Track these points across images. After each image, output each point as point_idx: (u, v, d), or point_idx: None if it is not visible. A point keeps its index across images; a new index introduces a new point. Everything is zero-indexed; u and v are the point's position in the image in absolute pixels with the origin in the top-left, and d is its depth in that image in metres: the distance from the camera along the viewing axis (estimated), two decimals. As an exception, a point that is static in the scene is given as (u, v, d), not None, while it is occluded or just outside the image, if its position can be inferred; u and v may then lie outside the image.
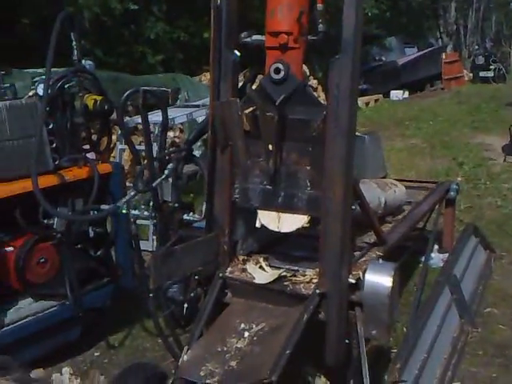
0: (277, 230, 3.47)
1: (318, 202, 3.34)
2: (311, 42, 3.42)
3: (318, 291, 3.31)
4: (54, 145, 4.33)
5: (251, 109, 3.39)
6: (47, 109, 4.17)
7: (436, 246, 5.98)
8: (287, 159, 3.43)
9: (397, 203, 4.80)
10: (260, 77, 3.52)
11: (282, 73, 3.32)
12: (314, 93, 3.75)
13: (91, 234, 4.52)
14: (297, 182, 3.42)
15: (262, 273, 3.57)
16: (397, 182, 4.99)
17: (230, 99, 3.43)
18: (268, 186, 3.50)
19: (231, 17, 3.49)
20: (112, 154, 7.27)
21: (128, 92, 4.00)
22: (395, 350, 4.29)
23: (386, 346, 4.30)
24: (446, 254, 5.71)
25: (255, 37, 3.56)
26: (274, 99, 3.35)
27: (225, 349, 3.24)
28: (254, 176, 3.54)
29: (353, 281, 3.37)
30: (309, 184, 3.39)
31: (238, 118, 3.37)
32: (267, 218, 3.50)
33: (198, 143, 7.12)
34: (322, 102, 3.47)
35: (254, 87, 3.51)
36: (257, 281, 3.53)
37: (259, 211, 3.53)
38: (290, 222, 3.44)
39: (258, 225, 3.55)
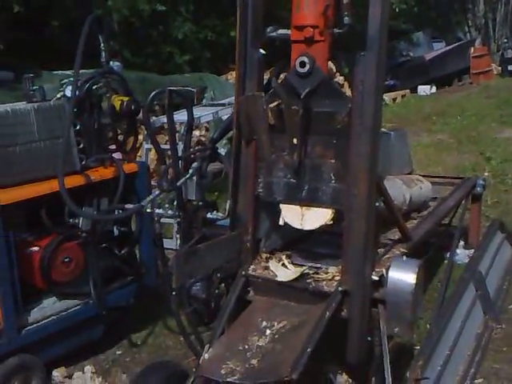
0: (300, 227, 3.47)
1: (342, 195, 3.34)
2: (337, 36, 3.42)
3: (340, 289, 3.30)
4: (81, 145, 4.40)
5: (276, 103, 3.40)
6: (75, 110, 4.24)
7: (462, 242, 5.95)
8: (311, 152, 3.43)
9: (422, 199, 4.78)
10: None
11: (308, 66, 3.31)
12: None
13: (116, 232, 4.57)
14: (321, 175, 3.42)
15: (284, 270, 3.58)
16: (422, 179, 4.95)
17: (255, 93, 3.45)
18: (292, 180, 3.50)
19: (257, 15, 3.52)
20: (138, 154, 7.33)
21: (154, 92, 4.04)
22: (418, 347, 4.27)
23: (409, 343, 4.28)
24: (472, 250, 5.68)
25: (281, 31, 3.56)
26: (299, 93, 3.35)
27: (246, 347, 3.25)
28: (278, 170, 3.54)
29: (376, 278, 3.36)
30: (333, 177, 3.38)
31: (263, 112, 3.39)
32: (290, 216, 3.50)
33: (224, 141, 7.16)
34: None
35: (279, 81, 3.52)
36: (279, 278, 3.54)
37: (282, 209, 3.53)
38: (313, 220, 3.44)
39: (281, 222, 3.55)
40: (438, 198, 5.20)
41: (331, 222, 3.42)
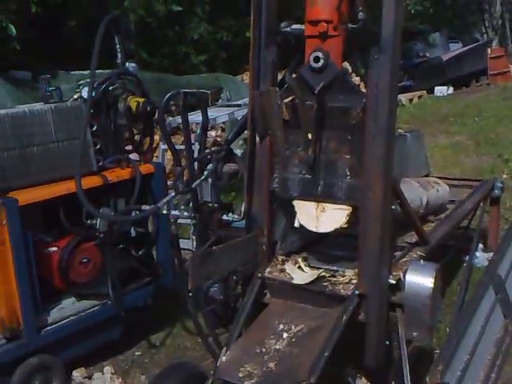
0: (315, 229, 3.46)
1: (357, 190, 3.32)
2: (351, 31, 3.40)
3: (357, 292, 3.29)
4: (98, 146, 4.41)
5: (290, 98, 3.39)
6: (91, 111, 4.24)
7: (480, 245, 5.89)
8: (326, 148, 3.42)
9: (439, 202, 4.73)
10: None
11: (322, 61, 3.29)
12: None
13: (133, 233, 4.58)
14: (336, 170, 3.40)
15: (300, 273, 3.57)
16: (440, 181, 4.92)
17: (270, 88, 3.43)
18: (307, 176, 3.49)
19: (270, 15, 3.52)
20: (155, 154, 7.34)
21: (169, 94, 4.04)
22: (438, 351, 4.24)
23: (429, 347, 4.25)
24: (491, 253, 5.61)
25: (295, 26, 3.56)
26: (313, 88, 3.34)
27: (263, 350, 3.25)
28: (293, 165, 3.53)
29: (393, 281, 3.33)
30: (348, 173, 3.37)
31: (278, 108, 3.37)
32: (305, 218, 3.49)
33: (240, 141, 7.16)
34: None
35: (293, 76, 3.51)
36: (295, 281, 3.53)
37: (298, 211, 3.52)
38: (328, 222, 3.42)
39: (296, 224, 3.54)
40: (455, 200, 5.16)
41: (346, 225, 3.40)
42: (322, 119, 3.36)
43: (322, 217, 3.43)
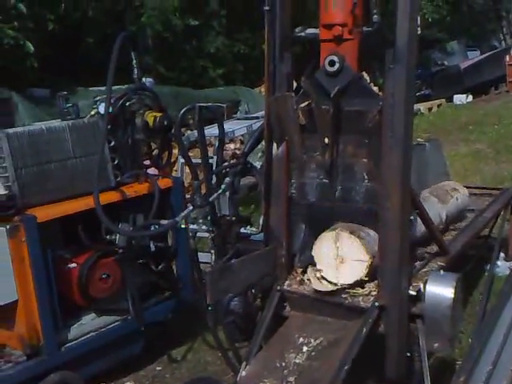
0: (335, 281, 3.46)
1: (375, 194, 3.33)
2: (366, 34, 3.42)
3: (377, 304, 3.27)
4: (116, 161, 4.42)
5: (306, 103, 3.40)
6: (109, 127, 4.26)
7: (502, 254, 5.84)
8: (343, 152, 3.44)
9: (459, 211, 4.70)
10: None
11: (337, 65, 3.32)
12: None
13: (152, 248, 4.57)
14: (353, 174, 3.43)
15: (321, 282, 3.55)
16: (459, 186, 4.90)
17: (285, 93, 3.44)
18: (325, 180, 3.50)
19: (284, 29, 3.52)
20: (174, 168, 7.35)
21: (185, 108, 4.06)
22: (460, 362, 4.19)
23: (450, 358, 4.21)
24: (513, 262, 5.59)
25: (309, 30, 3.57)
26: (329, 92, 3.34)
27: (283, 364, 3.24)
28: (310, 170, 3.55)
29: (413, 292, 3.33)
30: (366, 176, 3.38)
31: (294, 113, 3.37)
32: (326, 268, 3.50)
33: (259, 154, 7.15)
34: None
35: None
36: (315, 286, 3.51)
37: (317, 261, 3.52)
38: (348, 274, 3.44)
39: (318, 275, 3.54)
40: (475, 209, 5.10)
41: (367, 278, 3.42)
42: (338, 123, 3.37)
43: (341, 267, 3.45)
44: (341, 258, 3.42)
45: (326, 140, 3.37)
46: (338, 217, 3.66)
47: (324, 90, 3.37)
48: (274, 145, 3.63)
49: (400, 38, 3.11)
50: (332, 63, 3.32)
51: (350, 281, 3.41)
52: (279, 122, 3.45)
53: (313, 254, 3.53)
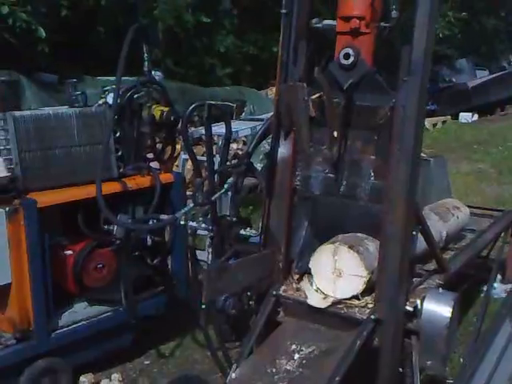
0: (332, 295, 3.43)
1: (380, 192, 3.30)
2: (383, 29, 3.40)
3: (373, 317, 3.24)
4: (120, 153, 4.40)
5: (318, 94, 3.37)
6: (115, 117, 4.24)
7: (499, 276, 5.81)
8: (351, 147, 3.42)
9: (459, 230, 4.67)
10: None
11: (352, 58, 3.29)
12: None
13: (149, 242, 4.55)
14: (360, 170, 3.40)
15: (316, 295, 3.52)
16: (460, 204, 4.85)
17: (297, 83, 3.40)
18: (330, 175, 3.47)
19: (299, 33, 3.49)
20: (175, 163, 7.33)
21: (194, 105, 4.03)
22: (451, 381, 4.17)
23: (441, 377, 4.19)
24: (510, 285, 5.57)
25: (326, 22, 3.53)
26: (342, 85, 3.31)
27: (274, 370, 3.20)
28: (316, 164, 3.52)
29: (410, 308, 3.30)
30: (372, 174, 3.36)
31: (304, 103, 3.34)
32: (323, 282, 3.46)
33: (260, 156, 7.13)
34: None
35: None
36: (310, 302, 3.48)
37: (314, 274, 3.48)
38: (345, 288, 3.40)
39: (314, 287, 3.51)
40: (475, 230, 5.07)
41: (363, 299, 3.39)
42: (348, 117, 3.36)
43: (338, 281, 3.42)
44: (338, 272, 3.39)
45: (335, 133, 3.34)
46: (342, 212, 3.65)
47: (337, 83, 3.34)
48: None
49: (416, 51, 3.09)
50: (347, 56, 3.29)
51: (347, 295, 3.38)
52: (289, 111, 3.41)
53: (310, 266, 3.50)
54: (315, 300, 3.47)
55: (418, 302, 3.31)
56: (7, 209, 3.76)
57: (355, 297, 3.42)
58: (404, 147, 3.12)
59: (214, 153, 5.69)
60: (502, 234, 5.52)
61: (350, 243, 3.39)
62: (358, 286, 3.35)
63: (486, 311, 4.75)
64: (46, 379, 4.05)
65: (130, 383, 4.33)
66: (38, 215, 3.85)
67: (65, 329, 4.17)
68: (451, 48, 22.21)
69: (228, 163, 4.41)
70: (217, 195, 3.94)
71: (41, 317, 3.97)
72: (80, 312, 4.32)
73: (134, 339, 4.61)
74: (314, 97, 3.37)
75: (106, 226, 4.25)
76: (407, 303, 3.30)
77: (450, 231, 4.37)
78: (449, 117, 18.52)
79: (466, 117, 18.93)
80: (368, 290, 3.42)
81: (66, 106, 4.34)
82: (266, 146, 7.08)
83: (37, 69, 9.08)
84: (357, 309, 3.38)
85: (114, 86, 4.23)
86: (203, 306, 3.79)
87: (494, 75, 22.27)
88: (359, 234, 3.55)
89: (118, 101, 4.19)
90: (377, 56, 3.45)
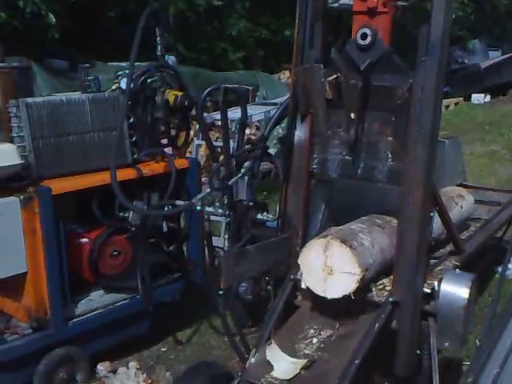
0: (323, 294, 3.19)
1: (398, 174, 3.24)
2: (401, 9, 3.36)
3: (391, 299, 3.21)
4: (134, 138, 4.38)
5: (334, 76, 3.34)
6: (129, 103, 4.21)
7: (514, 257, 5.80)
8: (369, 129, 3.38)
9: (463, 219, 4.55)
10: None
11: (369, 38, 3.25)
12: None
13: (165, 228, 4.54)
14: (377, 153, 3.37)
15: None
16: (464, 192, 4.67)
17: (314, 65, 3.37)
18: (347, 157, 3.45)
19: (316, 16, 3.45)
20: (188, 149, 7.31)
21: (209, 88, 4.00)
22: (466, 363, 4.16)
23: (457, 358, 4.18)
24: (524, 266, 5.54)
25: (343, 1, 3.49)
26: (359, 65, 3.28)
27: (292, 354, 3.18)
28: (333, 146, 3.49)
29: (428, 290, 3.27)
30: (390, 155, 3.33)
31: (321, 85, 3.31)
32: (313, 280, 3.23)
33: (274, 141, 7.10)
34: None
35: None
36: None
37: (303, 272, 3.26)
38: (336, 287, 3.14)
39: (303, 286, 3.33)
40: (480, 218, 4.92)
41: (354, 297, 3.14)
42: (365, 99, 3.33)
43: (329, 279, 3.15)
44: (329, 269, 3.14)
45: (352, 115, 3.31)
46: (359, 195, 3.59)
47: (354, 64, 3.31)
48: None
49: (434, 30, 3.03)
50: (364, 36, 3.25)
51: (338, 295, 3.13)
52: (305, 94, 3.38)
53: (299, 262, 3.28)
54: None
55: (436, 283, 3.27)
56: (21, 197, 3.76)
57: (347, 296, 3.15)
58: (422, 128, 3.08)
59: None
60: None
61: (342, 237, 3.14)
62: (350, 284, 3.09)
63: (500, 292, 4.73)
64: (63, 368, 4.06)
65: (147, 371, 4.33)
66: (53, 203, 3.84)
67: (81, 317, 4.18)
68: (463, 29, 22.03)
69: (245, 147, 4.38)
70: (234, 180, 3.92)
71: (57, 305, 3.97)
72: (96, 300, 4.32)
73: (150, 326, 4.62)
74: (330, 78, 3.33)
75: (121, 213, 4.25)
76: (425, 285, 3.27)
77: (454, 221, 4.27)
78: (461, 98, 18.40)
79: (478, 98, 18.79)
80: (386, 272, 3.39)
81: (79, 92, 4.32)
82: (279, 130, 7.08)
83: (47, 55, 9.06)
84: (374, 291, 3.34)
85: (127, 71, 4.21)
86: (220, 292, 3.80)
87: (506, 56, 22.08)
88: (354, 226, 3.35)
89: (132, 86, 4.17)
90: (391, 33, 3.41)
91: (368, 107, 3.34)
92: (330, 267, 3.14)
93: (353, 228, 3.33)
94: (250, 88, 3.83)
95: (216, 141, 6.19)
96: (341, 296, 3.12)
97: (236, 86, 3.97)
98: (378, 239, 3.29)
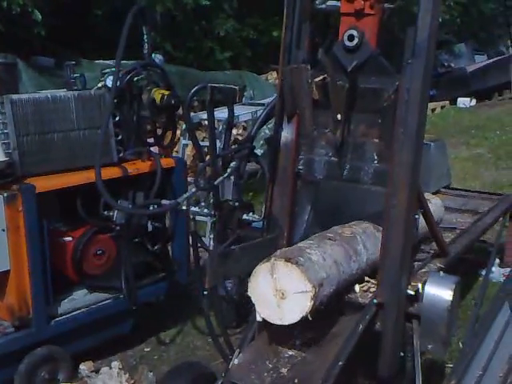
0: (280, 322, 2.98)
1: (384, 176, 3.25)
2: (388, 11, 3.39)
3: (375, 301, 3.21)
4: (120, 137, 4.36)
5: (321, 77, 3.34)
6: (115, 101, 4.19)
7: (497, 260, 5.83)
8: (355, 130, 3.40)
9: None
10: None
11: (356, 40, 3.26)
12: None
13: (150, 228, 4.52)
14: (363, 154, 3.38)
15: None
16: (431, 196, 4.53)
17: (301, 65, 3.37)
18: (333, 158, 3.44)
19: (303, 15, 3.45)
20: (175, 149, 7.30)
21: (196, 87, 3.97)
22: (449, 365, 4.19)
23: (441, 361, 4.19)
24: (508, 269, 5.59)
25: (330, 3, 3.51)
26: (346, 67, 3.30)
27: (276, 355, 3.17)
28: (319, 147, 3.50)
29: (411, 292, 3.27)
30: (376, 157, 3.33)
31: (308, 86, 3.32)
32: (267, 310, 3.00)
33: (261, 142, 7.10)
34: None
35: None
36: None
37: (256, 302, 3.03)
38: (292, 310, 2.92)
39: (258, 319, 3.13)
40: (456, 227, 4.84)
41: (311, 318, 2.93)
42: (352, 100, 3.34)
43: (283, 304, 2.93)
44: (281, 293, 2.92)
45: (339, 116, 3.31)
46: (345, 196, 3.59)
47: (341, 65, 3.32)
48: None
49: (420, 33, 3.05)
50: (351, 38, 3.27)
51: (296, 318, 2.91)
52: (292, 94, 3.39)
53: (249, 294, 3.03)
54: None
55: (420, 285, 3.28)
56: (5, 194, 3.73)
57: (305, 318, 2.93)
58: (408, 130, 3.09)
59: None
60: (501, 219, 5.53)
61: (286, 256, 2.96)
62: (305, 303, 2.87)
63: (484, 295, 4.76)
64: (44, 367, 4.03)
65: (130, 371, 4.31)
66: (37, 201, 3.82)
67: (64, 316, 4.16)
68: (449, 33, 22.15)
69: (232, 147, 4.36)
70: (220, 179, 3.90)
71: (40, 304, 3.95)
72: (80, 299, 4.31)
73: (134, 326, 4.60)
74: (317, 79, 3.34)
75: (105, 212, 4.22)
76: (409, 287, 3.28)
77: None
78: (447, 102, 18.50)
79: (464, 102, 18.89)
80: (371, 274, 3.40)
81: (64, 89, 4.28)
82: (266, 131, 7.08)
83: (33, 53, 9.00)
84: (359, 293, 3.35)
85: (113, 69, 4.19)
86: (205, 292, 3.78)
87: (492, 60, 22.23)
88: (301, 244, 3.23)
89: (118, 84, 4.14)
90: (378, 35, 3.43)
91: (354, 109, 3.35)
92: (280, 291, 2.93)
93: (300, 246, 3.21)
94: (237, 88, 3.80)
95: (203, 140, 6.17)
96: (299, 319, 2.91)
97: (222, 85, 3.94)
98: (330, 252, 3.15)
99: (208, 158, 4.11)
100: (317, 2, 3.49)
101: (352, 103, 3.33)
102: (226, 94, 3.99)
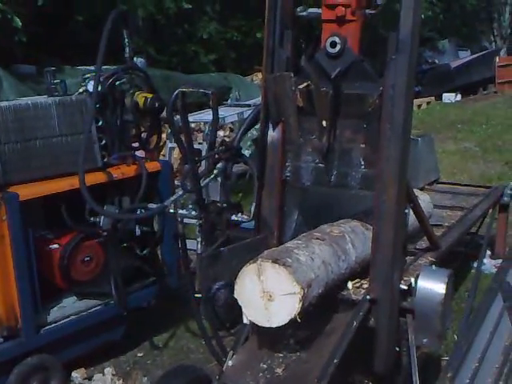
0: (268, 325, 2.91)
1: (371, 180, 3.25)
2: (369, 17, 3.36)
3: (368, 297, 3.20)
4: (103, 142, 4.31)
5: (305, 84, 3.33)
6: (97, 106, 4.15)
7: (488, 252, 5.86)
8: (341, 136, 3.37)
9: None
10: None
11: (339, 46, 3.26)
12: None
13: (137, 232, 4.48)
14: (350, 159, 3.35)
15: None
16: (419, 192, 4.40)
17: (284, 73, 3.35)
18: (320, 164, 3.43)
19: (285, 14, 3.43)
20: (162, 152, 7.26)
21: (177, 90, 3.94)
22: (445, 358, 4.18)
23: (436, 354, 4.18)
24: (499, 261, 5.60)
25: (311, 10, 3.50)
26: (329, 73, 3.28)
27: (270, 355, 3.14)
28: (306, 154, 3.47)
29: (404, 287, 3.27)
30: (362, 162, 3.31)
31: (292, 93, 3.30)
32: (254, 312, 2.95)
33: (248, 143, 7.07)
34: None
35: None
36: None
37: (243, 305, 2.98)
38: (280, 312, 2.87)
39: (245, 321, 3.19)
40: (442, 224, 4.74)
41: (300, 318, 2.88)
42: (337, 106, 3.32)
43: (270, 306, 2.88)
44: (268, 295, 2.87)
45: (324, 123, 3.30)
46: (332, 202, 3.59)
47: (324, 72, 3.30)
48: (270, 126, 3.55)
49: (403, 29, 3.05)
50: (333, 44, 3.26)
51: (284, 321, 2.86)
52: (276, 102, 3.37)
53: (235, 296, 2.99)
54: None
55: (412, 279, 3.28)
56: (-12, 203, 3.68)
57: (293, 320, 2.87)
58: (394, 125, 3.08)
59: (202, 140, 5.59)
60: (490, 211, 5.58)
61: (273, 257, 2.91)
62: (293, 305, 2.82)
63: (477, 287, 4.75)
64: (36, 377, 3.98)
65: (124, 376, 4.28)
66: (21, 209, 3.77)
67: (54, 324, 4.11)
68: (433, 30, 22.28)
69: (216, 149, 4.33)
70: (206, 181, 3.87)
71: (28, 313, 3.90)
72: (69, 307, 4.26)
73: (125, 332, 4.55)
74: (301, 86, 3.32)
75: (91, 218, 4.17)
76: (401, 282, 3.27)
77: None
78: (433, 98, 18.63)
79: (449, 97, 19.07)
80: (363, 271, 3.38)
81: (45, 96, 4.23)
82: (253, 132, 7.05)
83: (14, 60, 8.94)
84: (351, 290, 3.33)
85: (94, 73, 4.14)
86: (196, 295, 3.75)
87: (475, 55, 22.40)
88: (289, 244, 3.19)
89: (99, 88, 4.09)
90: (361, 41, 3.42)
91: (339, 115, 3.34)
92: (268, 293, 2.88)
93: (287, 246, 3.16)
94: (211, 92, 3.73)
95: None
96: (287, 321, 2.86)
97: (192, 89, 3.89)
98: (318, 252, 3.11)
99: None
100: (298, 10, 3.48)
101: (337, 109, 3.32)
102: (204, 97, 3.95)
